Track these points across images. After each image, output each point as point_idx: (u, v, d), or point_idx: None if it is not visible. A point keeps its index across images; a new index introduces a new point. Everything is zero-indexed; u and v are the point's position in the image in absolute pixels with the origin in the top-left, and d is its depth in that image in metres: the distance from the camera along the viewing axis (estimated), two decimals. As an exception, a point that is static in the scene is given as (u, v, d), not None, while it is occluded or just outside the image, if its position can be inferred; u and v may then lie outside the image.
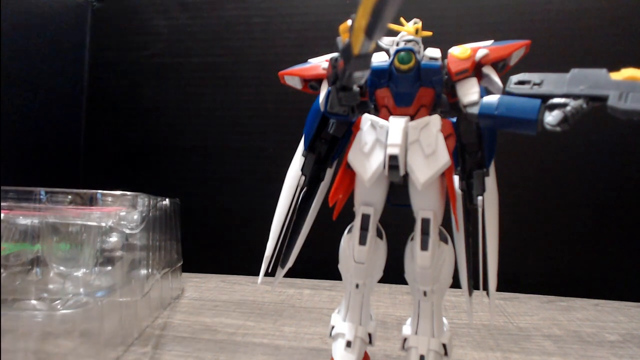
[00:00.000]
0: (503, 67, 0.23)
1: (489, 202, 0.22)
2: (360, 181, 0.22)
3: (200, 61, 0.57)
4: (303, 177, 0.25)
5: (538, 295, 0.46)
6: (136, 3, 0.59)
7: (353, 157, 0.22)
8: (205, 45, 0.57)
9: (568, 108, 0.19)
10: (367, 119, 0.22)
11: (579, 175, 0.48)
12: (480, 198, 0.22)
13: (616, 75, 0.19)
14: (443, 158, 0.21)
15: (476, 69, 0.22)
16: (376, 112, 0.23)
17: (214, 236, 0.56)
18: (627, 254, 0.48)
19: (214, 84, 0.57)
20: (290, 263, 0.26)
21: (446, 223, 0.23)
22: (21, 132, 0.53)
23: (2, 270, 0.28)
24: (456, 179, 0.23)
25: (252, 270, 0.53)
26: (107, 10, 0.60)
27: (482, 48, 0.22)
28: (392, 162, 0.21)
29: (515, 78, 0.21)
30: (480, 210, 0.22)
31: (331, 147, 0.25)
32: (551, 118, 0.19)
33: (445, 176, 0.22)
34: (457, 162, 0.23)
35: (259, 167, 0.55)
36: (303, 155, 0.25)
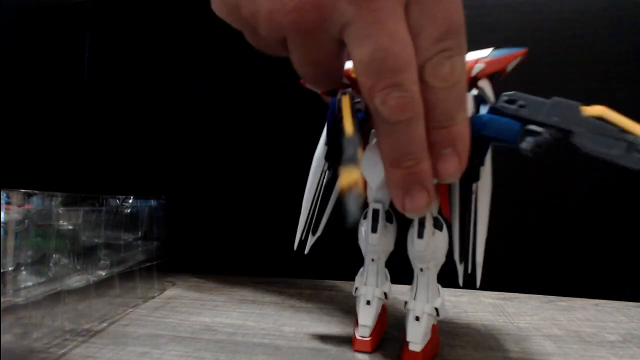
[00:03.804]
0: (499, 77, 0.26)
1: (482, 189, 0.26)
2: (369, 185, 0.28)
3: (199, 61, 0.57)
4: (326, 164, 0.30)
5: (538, 295, 0.46)
6: (135, 3, 0.59)
7: (363, 168, 0.26)
8: (205, 45, 0.57)
9: (540, 138, 0.22)
10: (374, 134, 0.26)
11: (579, 175, 0.48)
12: (474, 185, 0.26)
13: (588, 111, 0.21)
14: None
15: (473, 82, 0.26)
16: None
17: (214, 236, 0.56)
18: (627, 254, 0.48)
19: (214, 83, 0.57)
20: (319, 232, 0.31)
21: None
22: (17, 132, 0.53)
23: None
24: None
25: (252, 270, 0.53)
26: (106, 9, 0.60)
27: (479, 63, 0.25)
28: None
29: (505, 96, 0.24)
30: (473, 196, 0.26)
31: None
32: (525, 144, 0.22)
33: None
34: None
35: (260, 168, 0.55)
36: (325, 144, 0.30)
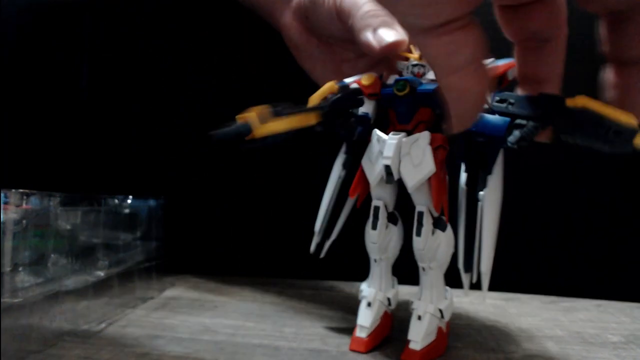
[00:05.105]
0: (500, 84, 0.27)
1: (489, 197, 0.26)
2: (370, 182, 0.29)
3: (199, 61, 0.57)
4: (344, 171, 0.31)
5: (540, 296, 0.46)
6: (135, 3, 0.59)
7: (364, 163, 0.29)
8: (205, 45, 0.57)
9: (525, 130, 0.23)
10: (375, 134, 0.28)
11: (581, 175, 0.48)
12: (481, 193, 0.26)
13: (571, 102, 0.22)
14: (427, 167, 0.26)
15: None
16: (387, 126, 0.29)
17: (214, 236, 0.56)
18: (630, 254, 0.48)
19: (214, 83, 0.56)
20: (333, 236, 0.32)
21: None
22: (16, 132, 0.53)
23: None
24: (464, 176, 0.28)
25: (252, 270, 0.53)
26: (106, 9, 0.60)
27: None
28: (387, 170, 0.27)
29: (497, 96, 0.25)
30: (480, 204, 0.26)
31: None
32: (512, 137, 0.24)
33: (431, 180, 0.27)
34: (466, 162, 0.28)
35: (260, 168, 0.55)
36: (344, 153, 0.31)
